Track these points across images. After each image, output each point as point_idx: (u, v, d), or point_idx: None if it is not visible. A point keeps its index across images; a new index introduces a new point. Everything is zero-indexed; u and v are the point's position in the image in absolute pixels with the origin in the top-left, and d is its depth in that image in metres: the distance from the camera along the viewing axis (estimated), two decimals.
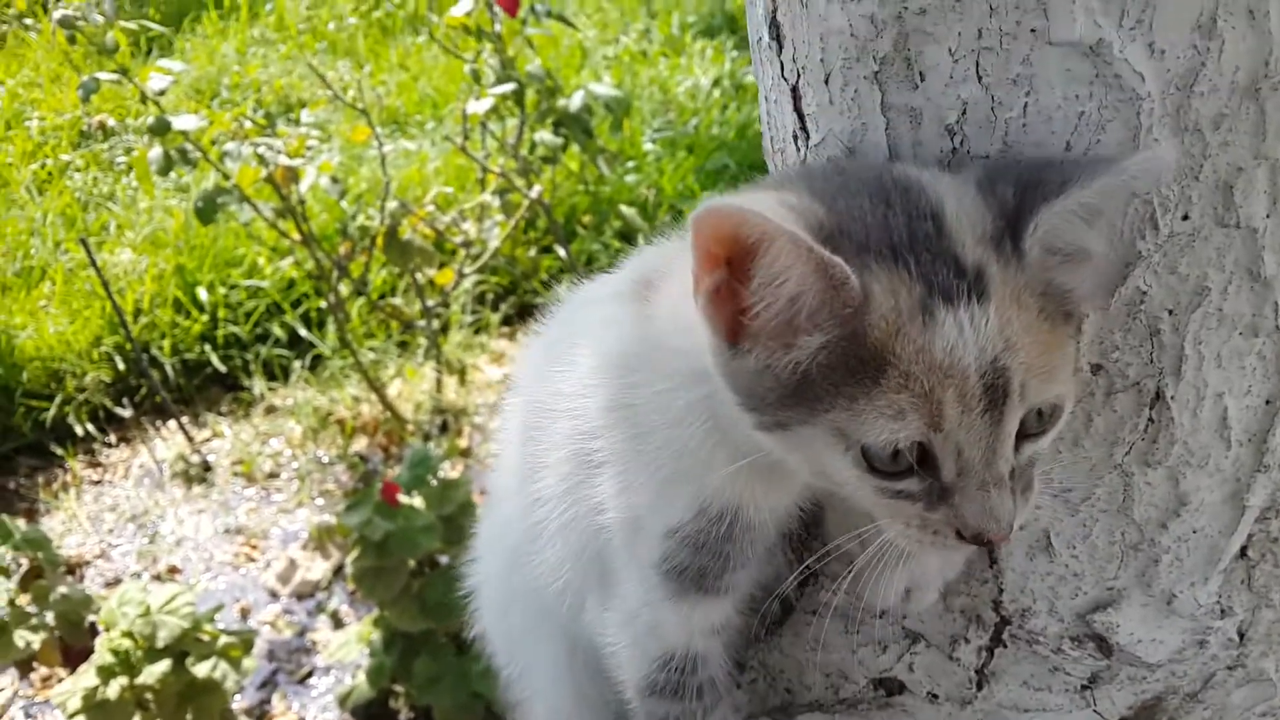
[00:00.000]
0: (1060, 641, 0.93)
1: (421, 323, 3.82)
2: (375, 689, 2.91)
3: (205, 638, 2.78)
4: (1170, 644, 0.92)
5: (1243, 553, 0.90)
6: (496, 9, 3.36)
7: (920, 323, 0.68)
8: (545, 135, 3.54)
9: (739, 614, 0.99)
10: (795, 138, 0.90)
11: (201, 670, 2.73)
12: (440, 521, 2.76)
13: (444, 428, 3.86)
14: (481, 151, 3.62)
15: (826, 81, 0.84)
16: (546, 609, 1.10)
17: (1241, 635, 0.93)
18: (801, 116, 0.88)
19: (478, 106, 3.37)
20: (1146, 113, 0.75)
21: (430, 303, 3.76)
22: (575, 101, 3.48)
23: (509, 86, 3.37)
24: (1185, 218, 0.78)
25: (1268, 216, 0.79)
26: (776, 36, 0.88)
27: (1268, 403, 0.86)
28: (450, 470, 3.58)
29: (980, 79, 0.77)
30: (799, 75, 0.86)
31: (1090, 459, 0.88)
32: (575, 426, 0.93)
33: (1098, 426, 0.86)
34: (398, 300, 4.09)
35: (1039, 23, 0.73)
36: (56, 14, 3.15)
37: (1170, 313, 0.82)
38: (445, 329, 4.07)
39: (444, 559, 2.85)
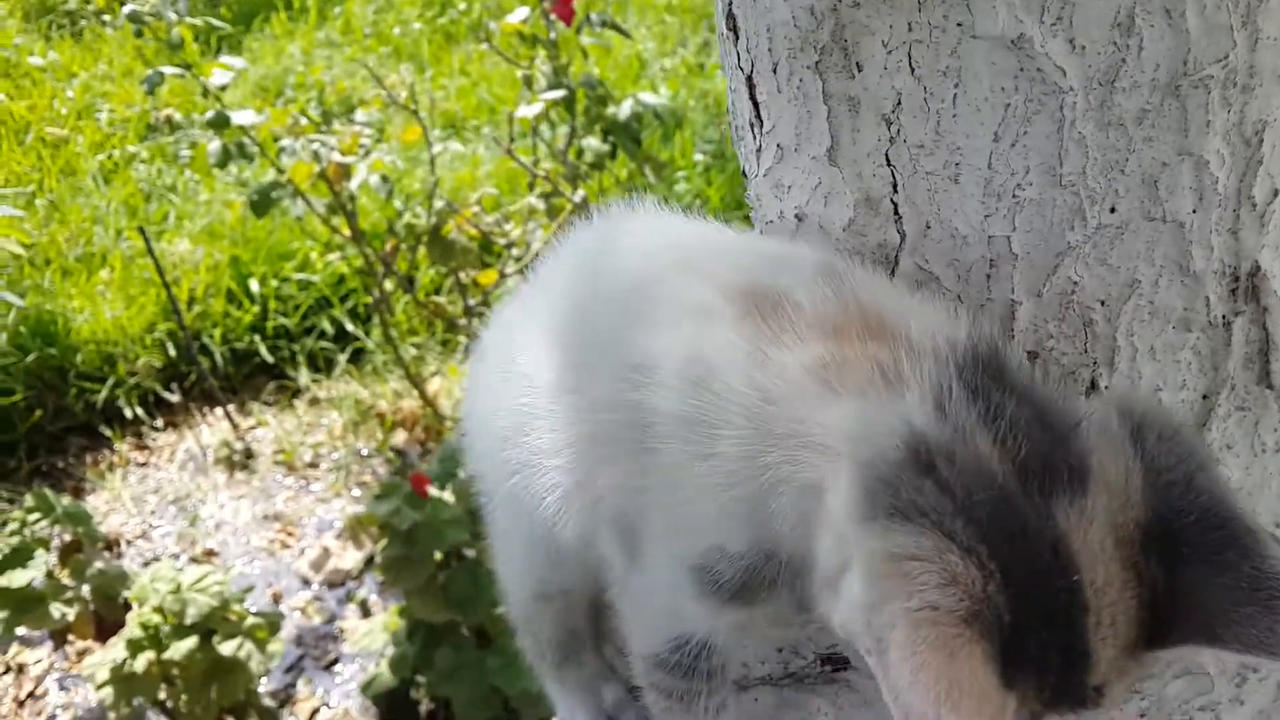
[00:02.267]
0: None
1: (464, 321, 3.89)
2: (397, 678, 2.95)
3: (233, 618, 2.85)
4: None
5: None
6: (553, 17, 3.43)
7: None
8: (593, 142, 3.60)
9: None
10: (751, 125, 0.94)
11: (227, 649, 2.79)
12: (468, 515, 2.80)
13: None
14: (531, 157, 3.68)
15: (774, 71, 0.87)
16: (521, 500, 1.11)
17: None
18: (756, 104, 0.92)
19: (527, 111, 3.44)
20: (1070, 106, 0.77)
21: (473, 301, 3.82)
22: (624, 110, 3.53)
23: (559, 93, 3.43)
24: (1113, 210, 0.80)
25: (1194, 211, 0.80)
26: (733, 28, 0.91)
27: (1204, 398, 0.87)
28: None
29: (913, 70, 0.79)
30: (752, 65, 0.90)
31: None
32: (640, 400, 0.84)
33: None
34: (442, 299, 4.16)
35: (964, 17, 0.76)
36: (126, 9, 3.26)
37: (1102, 304, 0.84)
38: None
39: (470, 552, 2.89)
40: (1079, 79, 0.76)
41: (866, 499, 0.68)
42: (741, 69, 0.91)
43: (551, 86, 3.47)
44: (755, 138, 0.93)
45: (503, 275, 3.75)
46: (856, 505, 0.68)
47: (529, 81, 3.52)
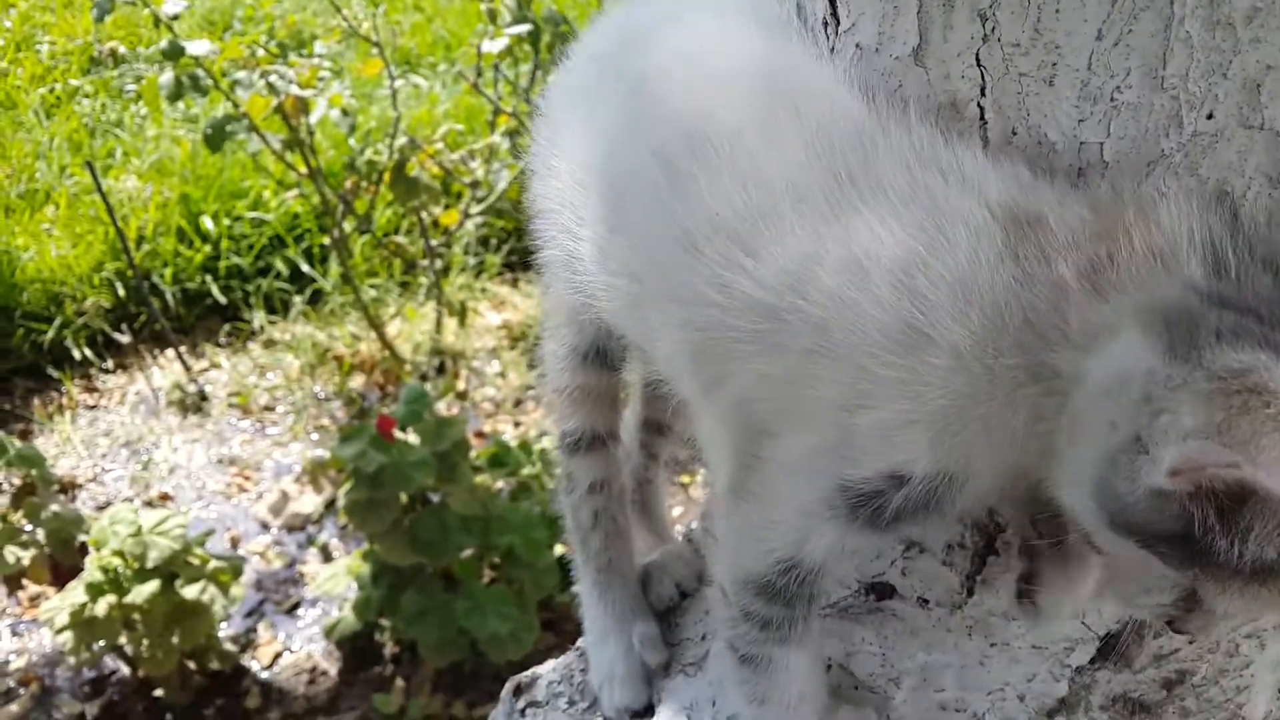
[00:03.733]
0: None
1: (424, 262, 3.81)
2: (361, 622, 2.92)
3: (195, 561, 2.79)
4: None
5: None
6: None
7: None
8: None
9: None
10: (825, 25, 0.90)
11: (190, 592, 2.74)
12: (434, 458, 2.75)
13: (441, 369, 3.86)
14: (493, 94, 3.60)
15: None
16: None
17: None
18: (834, 2, 0.88)
19: (492, 45, 3.35)
20: (1180, 2, 0.74)
21: (434, 242, 3.75)
22: None
23: (524, 27, 3.35)
24: (1210, 116, 0.78)
25: None
26: None
27: None
28: (445, 412, 3.58)
29: None
30: None
31: None
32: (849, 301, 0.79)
33: None
34: (402, 239, 4.08)
35: None
36: None
37: None
38: (447, 270, 4.06)
39: (435, 496, 2.85)
40: None
41: (1178, 336, 0.68)
42: None
43: (516, 21, 3.39)
44: (829, 38, 0.89)
45: (465, 215, 3.68)
46: (1166, 344, 0.69)
47: (493, 15, 3.43)
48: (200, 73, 3.22)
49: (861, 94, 0.86)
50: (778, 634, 0.93)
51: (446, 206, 3.77)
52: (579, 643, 1.26)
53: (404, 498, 2.79)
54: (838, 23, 0.88)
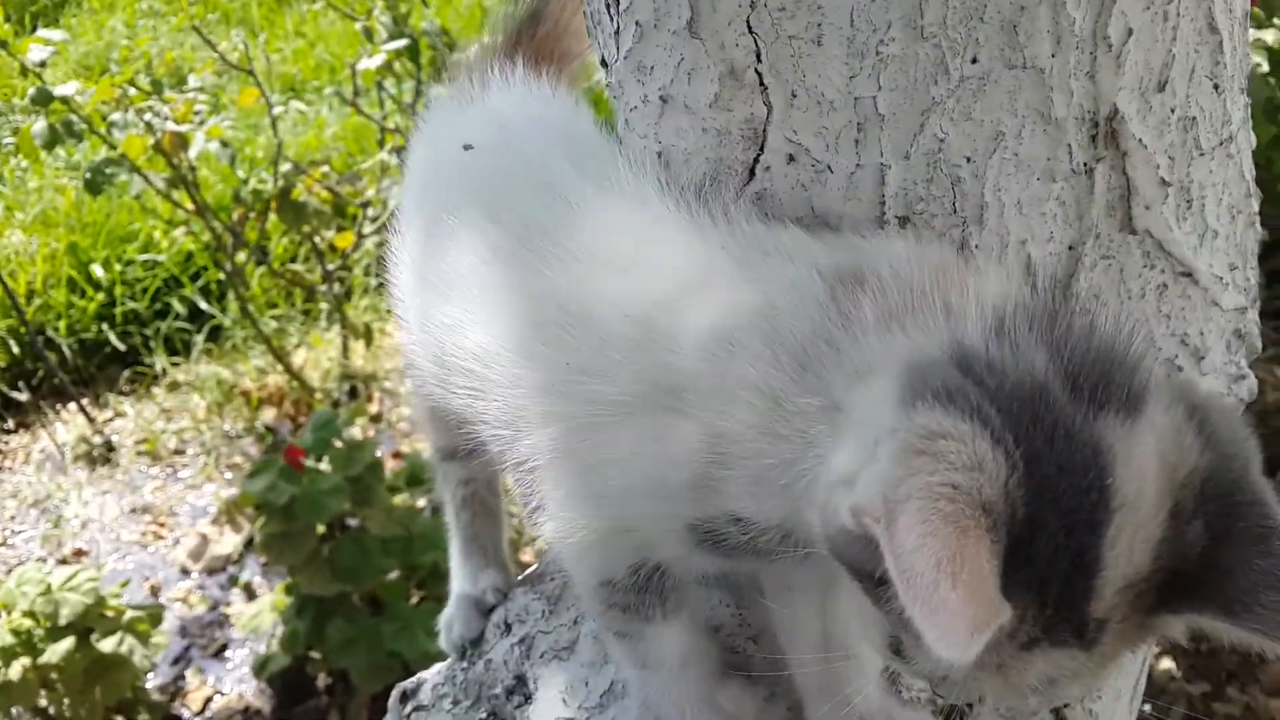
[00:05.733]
0: None
1: (324, 288, 3.78)
2: (290, 656, 2.88)
3: (110, 613, 2.74)
4: None
5: None
6: None
7: (1017, 648, 0.67)
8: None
9: None
10: (608, 7, 0.91)
11: (107, 646, 2.69)
12: (347, 483, 2.73)
13: (353, 393, 3.83)
14: (379, 112, 3.58)
15: None
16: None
17: None
18: None
19: (370, 63, 3.34)
20: None
21: (331, 267, 3.72)
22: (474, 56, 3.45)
23: (401, 43, 3.34)
24: (974, 61, 0.80)
25: (1053, 56, 0.81)
26: None
27: (1070, 249, 0.88)
28: (361, 436, 3.55)
29: None
30: None
31: None
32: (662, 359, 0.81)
33: None
34: (299, 266, 4.04)
35: None
36: None
37: (969, 160, 0.84)
38: (349, 294, 4.03)
39: (353, 521, 2.83)
40: None
41: (911, 387, 0.69)
42: None
43: (393, 37, 3.38)
44: (612, 19, 0.90)
45: (360, 236, 3.65)
46: (900, 393, 0.69)
47: (369, 34, 3.42)
48: (75, 118, 3.17)
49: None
50: (640, 614, 0.95)
51: (341, 229, 3.74)
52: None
53: (321, 527, 2.76)
54: (618, 4, 0.89)
